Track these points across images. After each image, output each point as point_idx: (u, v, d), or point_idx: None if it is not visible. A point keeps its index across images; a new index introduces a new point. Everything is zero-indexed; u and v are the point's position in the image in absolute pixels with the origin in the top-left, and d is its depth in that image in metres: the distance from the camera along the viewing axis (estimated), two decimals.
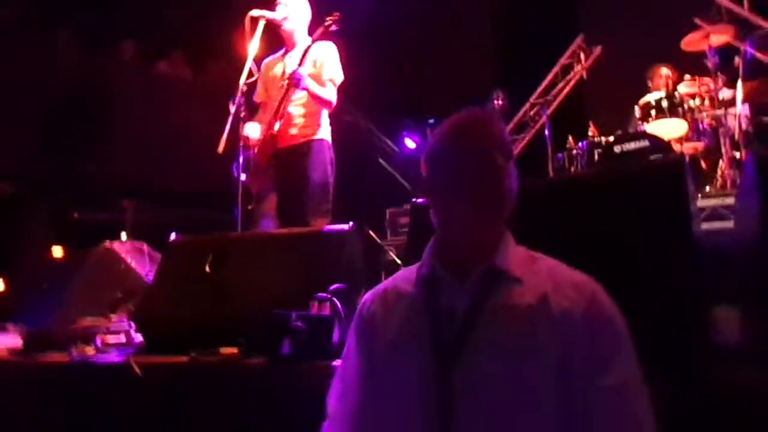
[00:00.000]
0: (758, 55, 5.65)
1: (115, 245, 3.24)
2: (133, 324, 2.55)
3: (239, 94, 3.04)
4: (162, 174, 5.90)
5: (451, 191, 1.19)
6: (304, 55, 3.14)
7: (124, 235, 5.19)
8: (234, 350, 1.99)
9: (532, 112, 7.08)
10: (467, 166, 1.18)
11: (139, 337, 2.50)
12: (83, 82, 5.80)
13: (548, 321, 1.10)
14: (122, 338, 2.55)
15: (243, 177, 3.06)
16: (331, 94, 3.25)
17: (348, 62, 3.39)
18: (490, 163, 1.18)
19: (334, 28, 3.13)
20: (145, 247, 3.76)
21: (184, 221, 5.47)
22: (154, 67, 6.80)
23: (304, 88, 3.14)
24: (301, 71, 3.10)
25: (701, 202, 3.92)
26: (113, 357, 2.25)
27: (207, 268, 2.33)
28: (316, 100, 3.23)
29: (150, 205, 5.55)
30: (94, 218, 5.76)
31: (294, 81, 3.08)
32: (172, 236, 2.65)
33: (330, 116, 3.41)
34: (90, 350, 2.40)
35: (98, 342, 2.48)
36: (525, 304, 1.12)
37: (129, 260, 3.18)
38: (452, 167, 1.20)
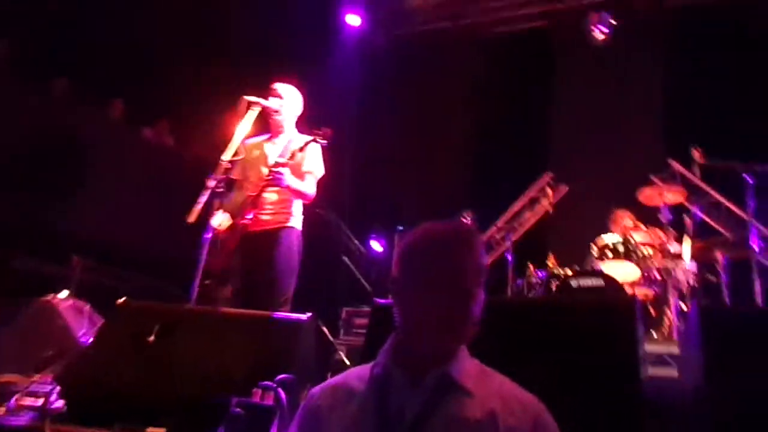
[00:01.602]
0: (705, 218, 6.11)
1: (55, 301, 3.10)
2: (57, 387, 2.38)
3: (220, 170, 3.08)
4: (123, 236, 5.77)
5: (416, 300, 1.21)
6: (292, 156, 3.20)
7: (65, 292, 4.96)
8: (162, 430, 1.87)
9: (497, 236, 7.32)
10: (438, 282, 1.20)
11: (60, 404, 2.33)
12: (62, 131, 5.79)
13: None
14: (39, 402, 2.37)
15: (205, 255, 3.01)
16: (310, 187, 3.33)
17: (328, 158, 3.50)
18: (464, 290, 1.20)
19: (323, 143, 3.23)
20: (86, 307, 3.61)
21: (135, 288, 5.30)
22: (138, 131, 6.88)
23: (286, 187, 3.20)
24: (283, 170, 3.16)
25: (648, 347, 4.01)
26: (24, 420, 2.08)
27: (151, 338, 2.24)
28: (296, 194, 3.30)
29: (102, 266, 5.36)
30: (37, 269, 5.51)
31: (277, 181, 3.14)
32: (121, 300, 2.56)
33: (303, 207, 3.46)
34: (1, 410, 2.22)
35: (12, 402, 2.30)
36: (473, 419, 1.13)
37: (67, 318, 3.04)
38: (424, 277, 1.22)
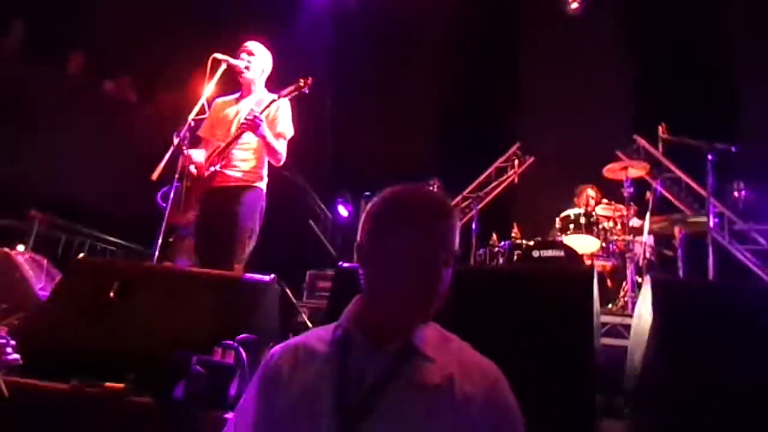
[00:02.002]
0: (666, 194, 6.29)
1: (13, 253, 3.02)
2: (12, 340, 2.33)
3: (186, 127, 3.01)
4: (83, 192, 5.61)
5: (384, 272, 1.20)
6: (267, 106, 3.17)
7: (21, 246, 4.83)
8: (120, 386, 1.86)
9: (463, 205, 7.41)
10: (409, 259, 1.18)
11: (15, 356, 2.28)
12: (22, 85, 5.55)
13: (451, 404, 1.13)
14: None
15: (167, 207, 2.96)
16: (282, 148, 3.29)
17: (297, 122, 3.47)
18: (432, 269, 1.18)
19: (305, 91, 3.20)
20: (45, 262, 3.52)
21: (94, 244, 5.19)
22: (99, 84, 6.64)
23: (261, 135, 3.15)
24: (262, 117, 3.13)
25: (603, 318, 4.16)
26: None
27: (111, 295, 2.21)
28: (268, 149, 3.26)
29: (61, 220, 5.22)
30: None
31: (254, 125, 3.09)
32: (80, 255, 2.51)
33: (270, 168, 3.43)
34: None
35: None
36: (432, 384, 1.14)
37: (25, 271, 2.96)
38: (393, 250, 1.19)
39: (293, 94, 3.21)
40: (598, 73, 7.38)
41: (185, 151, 3.00)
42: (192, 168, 3.16)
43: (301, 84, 3.19)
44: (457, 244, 1.24)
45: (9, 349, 2.25)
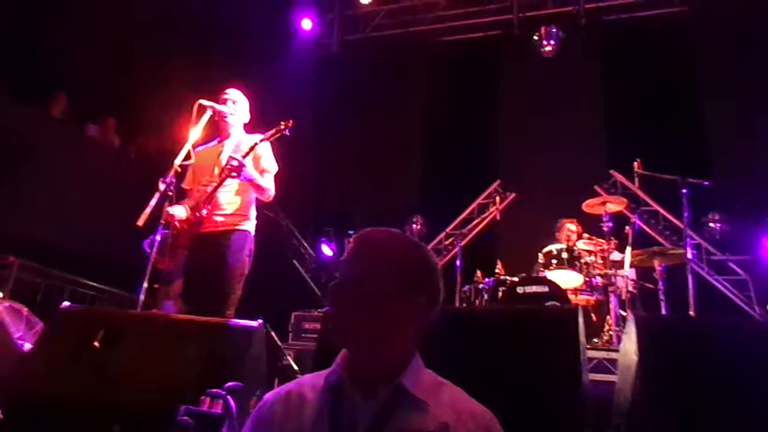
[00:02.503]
0: (644, 227, 6.42)
1: None
2: None
3: (172, 173, 3.02)
4: (64, 238, 5.54)
5: (342, 309, 1.22)
6: (251, 149, 3.20)
7: (0, 293, 4.73)
8: None
9: (446, 242, 7.46)
10: (368, 284, 1.20)
11: None
12: (2, 127, 5.52)
13: None
14: None
15: (153, 255, 2.94)
16: (269, 184, 3.34)
17: (281, 162, 3.51)
18: (368, 294, 1.19)
19: (286, 133, 3.25)
20: (24, 310, 3.46)
21: (76, 292, 5.10)
22: (82, 128, 6.64)
23: (247, 178, 3.18)
24: (244, 161, 3.16)
25: (589, 353, 4.17)
26: None
27: (96, 345, 2.17)
28: (257, 189, 3.29)
29: (41, 267, 5.13)
30: None
31: (238, 170, 3.12)
32: (64, 304, 2.47)
33: (257, 209, 3.45)
34: None
35: None
36: (426, 431, 1.15)
37: (3, 321, 2.90)
38: (355, 281, 1.22)
39: (275, 136, 3.26)
40: (574, 110, 7.60)
41: (168, 209, 3.00)
42: (176, 223, 3.16)
43: (282, 126, 3.25)
44: (432, 282, 1.26)
45: None
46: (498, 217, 6.88)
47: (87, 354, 2.13)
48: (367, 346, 1.21)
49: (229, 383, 1.92)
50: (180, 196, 3.33)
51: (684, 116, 7.13)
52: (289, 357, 4.95)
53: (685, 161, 5.81)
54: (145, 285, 2.75)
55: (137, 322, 2.35)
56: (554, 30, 7.82)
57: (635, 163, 6.50)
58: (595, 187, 6.86)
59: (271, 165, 3.38)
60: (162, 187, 2.94)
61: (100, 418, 1.84)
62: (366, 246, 1.26)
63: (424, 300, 1.24)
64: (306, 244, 7.20)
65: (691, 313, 4.16)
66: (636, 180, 6.89)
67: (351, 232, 7.01)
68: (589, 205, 5.35)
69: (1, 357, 2.60)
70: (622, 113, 7.40)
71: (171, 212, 3.05)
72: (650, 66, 7.36)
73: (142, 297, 2.72)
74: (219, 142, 3.50)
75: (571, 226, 5.67)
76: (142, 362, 2.09)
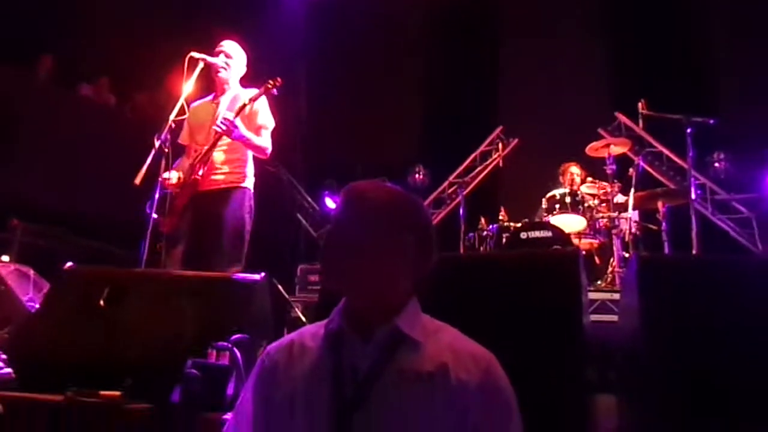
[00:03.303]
0: (648, 169, 6.35)
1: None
2: (3, 354, 2.32)
3: (166, 129, 2.98)
4: (66, 199, 5.54)
5: (338, 252, 1.23)
6: (241, 109, 3.14)
7: (6, 257, 4.78)
8: (117, 394, 1.86)
9: (449, 191, 7.43)
10: (352, 229, 1.23)
11: (6, 370, 2.27)
12: None
13: (445, 390, 1.15)
14: None
15: (155, 215, 2.95)
16: (266, 141, 3.28)
17: (278, 117, 3.45)
18: (377, 231, 1.22)
19: (274, 92, 3.18)
20: (31, 272, 3.50)
21: (79, 252, 5.13)
22: (75, 88, 6.54)
23: (239, 138, 3.13)
24: (236, 121, 3.10)
25: (592, 295, 4.21)
26: None
27: (101, 303, 2.20)
28: (252, 148, 3.24)
29: (45, 229, 5.16)
30: None
31: (228, 131, 3.07)
32: (68, 264, 2.49)
33: (255, 165, 3.41)
34: None
35: None
36: (425, 372, 1.17)
37: (11, 283, 2.94)
38: (342, 229, 1.25)
39: (261, 95, 3.19)
40: (577, 51, 7.41)
41: (162, 175, 2.98)
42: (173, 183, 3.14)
43: (270, 85, 3.16)
44: (420, 224, 1.28)
45: (1, 364, 2.26)
46: (501, 164, 6.84)
47: (93, 312, 2.16)
48: (362, 291, 1.23)
49: (235, 336, 1.96)
50: (177, 151, 3.30)
51: (689, 54, 6.94)
52: (297, 309, 5.05)
53: (691, 101, 5.70)
54: (147, 244, 2.77)
55: (140, 280, 2.38)
56: None
57: (639, 104, 6.37)
58: (599, 129, 6.75)
59: (267, 121, 3.31)
60: (157, 144, 2.91)
61: (111, 373, 1.87)
62: (354, 196, 1.28)
63: (414, 240, 1.25)
64: (308, 198, 7.19)
65: (694, 252, 4.17)
66: (640, 121, 6.77)
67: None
68: (592, 148, 5.29)
69: (9, 318, 2.64)
70: (626, 54, 7.21)
71: (164, 177, 3.02)
72: (654, 3, 7.12)
73: (144, 256, 2.74)
74: (214, 97, 3.42)
75: (574, 170, 5.62)
76: (148, 318, 2.12)
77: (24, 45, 5.99)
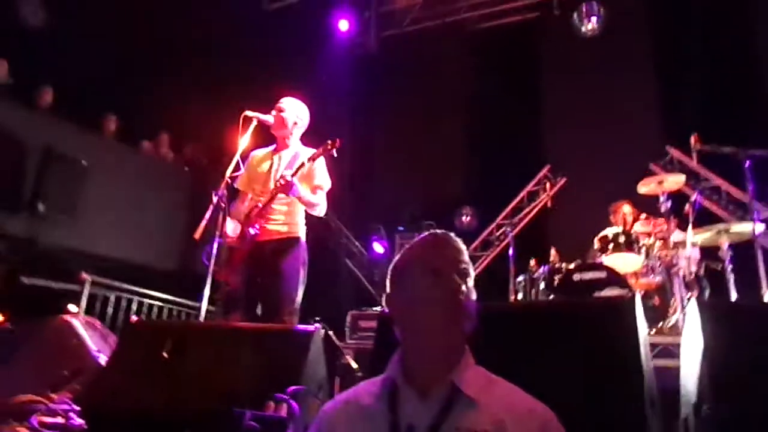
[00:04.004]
0: (706, 204, 6.13)
1: (71, 318, 3.14)
2: (76, 406, 2.43)
3: (223, 185, 3.12)
4: (129, 252, 5.82)
5: (410, 307, 1.27)
6: (299, 168, 3.23)
7: (74, 308, 5.02)
8: None
9: (497, 232, 7.38)
10: (425, 284, 1.27)
11: (79, 422, 2.38)
12: (60, 150, 5.82)
13: None
14: (60, 420, 2.42)
15: (212, 266, 3.06)
16: (321, 200, 3.37)
17: (328, 162, 3.54)
18: (447, 281, 1.26)
19: (333, 153, 3.26)
20: (98, 324, 3.65)
21: (142, 304, 5.35)
22: (137, 145, 6.93)
23: (296, 195, 3.23)
24: (294, 179, 3.19)
25: (654, 339, 4.05)
26: None
27: (164, 355, 2.29)
28: (308, 206, 3.34)
29: (109, 281, 5.41)
30: (45, 287, 5.57)
31: (287, 188, 3.17)
32: (133, 318, 2.61)
33: (307, 216, 3.50)
34: (23, 431, 2.27)
35: (34, 422, 2.35)
36: (482, 431, 1.16)
37: (82, 335, 3.07)
38: (411, 283, 1.29)
39: (320, 156, 3.28)
40: (624, 88, 7.31)
41: (221, 224, 3.10)
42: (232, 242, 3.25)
43: (329, 146, 3.23)
44: (464, 258, 1.34)
45: (73, 415, 2.36)
46: (549, 204, 6.76)
47: (157, 364, 2.24)
48: (429, 344, 1.26)
49: (291, 387, 1.99)
50: (233, 198, 3.43)
51: (741, 83, 6.76)
52: (347, 356, 5.04)
53: (746, 132, 5.51)
54: (206, 295, 2.87)
55: (202, 332, 2.46)
56: (595, 6, 7.54)
57: (692, 138, 6.21)
58: (651, 165, 6.61)
59: (324, 181, 3.40)
60: (215, 199, 3.04)
61: (173, 423, 1.94)
62: (415, 250, 1.35)
63: (469, 289, 1.29)
64: (357, 243, 7.28)
65: (765, 293, 3.96)
66: (694, 155, 6.58)
67: (401, 228, 7.04)
68: (645, 185, 5.16)
69: (81, 370, 2.76)
70: (675, 86, 7.07)
71: (227, 232, 3.14)
72: (703, 32, 6.98)
73: (204, 307, 2.84)
74: (276, 150, 3.54)
75: (626, 209, 5.49)
76: (208, 370, 2.18)
77: (89, 104, 6.42)
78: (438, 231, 1.39)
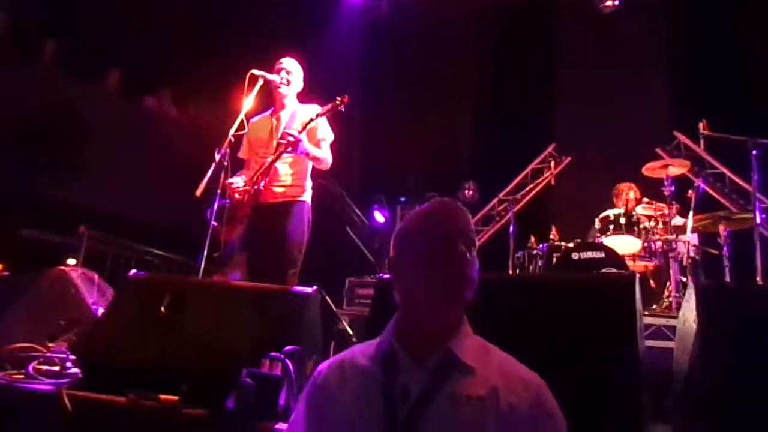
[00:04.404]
0: (709, 191, 6.11)
1: (68, 270, 3.15)
2: (72, 356, 2.44)
3: (226, 143, 3.10)
4: (129, 207, 5.81)
5: (415, 272, 1.27)
6: (307, 124, 3.22)
7: (72, 261, 5.04)
8: (175, 398, 1.93)
9: (499, 208, 7.37)
10: (432, 251, 1.26)
11: (75, 371, 2.40)
12: (63, 105, 5.78)
13: (495, 415, 1.16)
14: (56, 368, 2.44)
15: (214, 223, 3.06)
16: (327, 153, 3.39)
17: (333, 129, 3.53)
18: (454, 250, 1.27)
19: (341, 109, 3.26)
20: (96, 277, 3.66)
21: (141, 259, 5.38)
22: (139, 101, 6.87)
23: (303, 152, 3.23)
24: (300, 135, 3.19)
25: (648, 320, 4.07)
26: (43, 386, 2.15)
27: (162, 310, 2.30)
28: (315, 160, 3.35)
29: (108, 236, 5.42)
30: (44, 239, 5.58)
31: (294, 145, 3.16)
32: (132, 272, 2.61)
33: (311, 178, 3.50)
34: (19, 376, 2.29)
35: (30, 368, 2.37)
36: (476, 396, 1.18)
37: (79, 288, 3.08)
38: (418, 250, 1.28)
39: (330, 112, 3.27)
40: (635, 70, 7.21)
41: (228, 180, 3.10)
42: (236, 195, 3.24)
43: (338, 102, 3.25)
44: (472, 230, 1.36)
45: (69, 364, 2.38)
46: (553, 182, 6.73)
47: (154, 319, 2.25)
48: (443, 307, 1.27)
49: (287, 347, 2.00)
50: (237, 165, 3.42)
51: (752, 72, 6.66)
52: (344, 322, 5.08)
53: (755, 121, 5.46)
54: (206, 253, 2.87)
55: (200, 289, 2.47)
56: None
57: (701, 124, 6.15)
58: (657, 149, 6.56)
59: (327, 134, 3.42)
60: (217, 157, 3.03)
61: (168, 378, 1.95)
62: (436, 220, 1.34)
63: (472, 247, 1.30)
64: (358, 211, 7.27)
65: (758, 280, 3.98)
66: (701, 142, 6.54)
67: (402, 199, 7.02)
68: (649, 169, 5.13)
69: (77, 321, 2.78)
70: (685, 71, 6.98)
71: (230, 181, 3.14)
72: (716, 19, 6.86)
73: (203, 264, 2.85)
74: (273, 112, 3.53)
75: (629, 191, 5.47)
76: (206, 327, 2.19)
77: (92, 59, 6.33)
78: (446, 198, 1.40)
